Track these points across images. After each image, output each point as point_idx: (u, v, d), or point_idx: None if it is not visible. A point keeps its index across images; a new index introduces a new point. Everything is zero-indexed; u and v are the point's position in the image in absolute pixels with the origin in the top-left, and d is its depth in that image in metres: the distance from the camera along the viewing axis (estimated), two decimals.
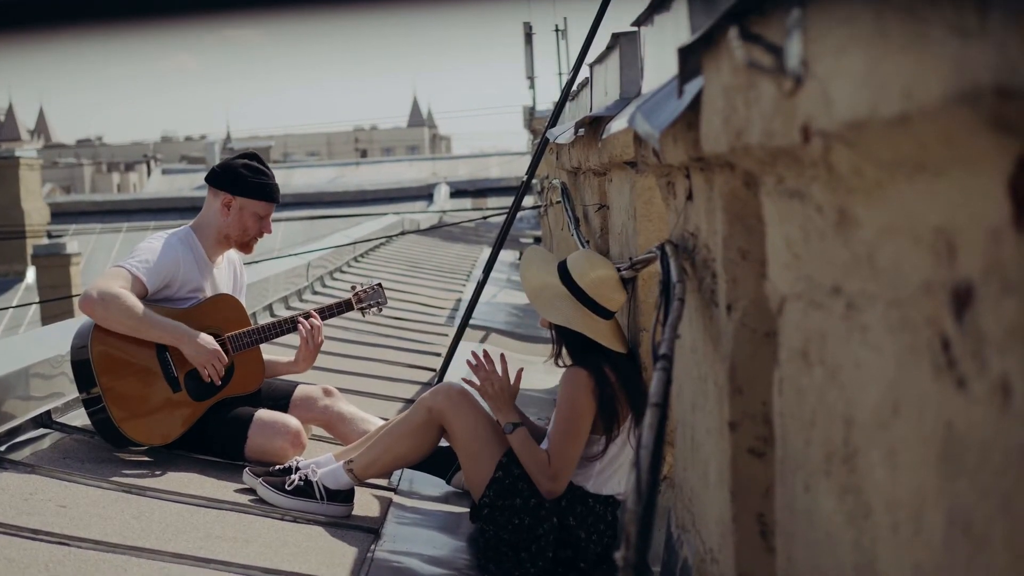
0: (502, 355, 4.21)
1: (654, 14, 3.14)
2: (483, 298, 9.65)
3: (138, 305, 4.37)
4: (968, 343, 1.23)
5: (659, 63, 3.05)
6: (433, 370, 7.12)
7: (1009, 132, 1.05)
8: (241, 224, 4.71)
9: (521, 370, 4.20)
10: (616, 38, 4.28)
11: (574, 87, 6.40)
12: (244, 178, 4.71)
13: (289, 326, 4.81)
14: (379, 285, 5.17)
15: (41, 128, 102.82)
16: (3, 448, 4.12)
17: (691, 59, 2.12)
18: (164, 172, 44.11)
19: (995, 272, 1.16)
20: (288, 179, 34.58)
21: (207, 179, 4.83)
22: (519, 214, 23.07)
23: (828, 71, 1.43)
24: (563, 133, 5.12)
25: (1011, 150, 1.08)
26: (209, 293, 4.72)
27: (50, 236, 26.29)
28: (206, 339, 4.51)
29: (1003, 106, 1.02)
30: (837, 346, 1.71)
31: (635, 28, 3.76)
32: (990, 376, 1.18)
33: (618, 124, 3.55)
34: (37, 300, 21.84)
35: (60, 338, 4.64)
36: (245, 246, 4.80)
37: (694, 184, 2.77)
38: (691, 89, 2.21)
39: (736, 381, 2.46)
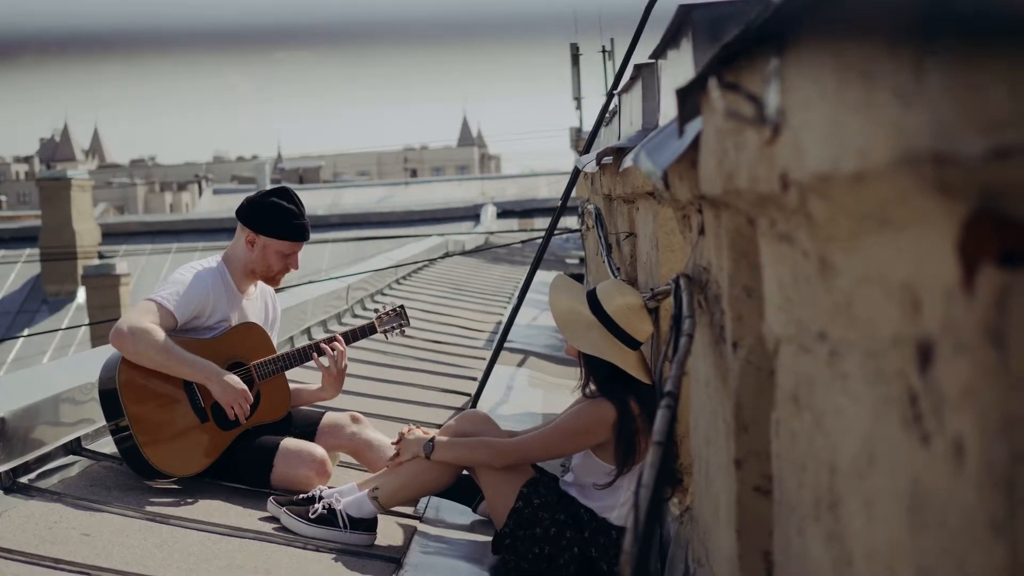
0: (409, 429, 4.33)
1: (667, 49, 3.15)
2: (523, 320, 9.63)
3: (167, 341, 4.40)
4: (930, 399, 1.23)
5: (672, 97, 3.05)
6: (468, 395, 7.11)
7: (952, 196, 1.05)
8: (265, 261, 4.74)
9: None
10: (639, 69, 4.30)
11: (607, 113, 6.40)
12: (268, 217, 4.72)
13: (314, 352, 4.83)
14: (401, 307, 5.21)
15: (95, 148, 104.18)
16: (33, 476, 4.16)
17: (689, 100, 2.12)
18: (215, 192, 44.47)
19: (950, 331, 1.16)
20: (337, 199, 34.78)
21: (236, 212, 4.86)
22: (567, 235, 22.89)
23: (800, 122, 1.43)
24: (589, 162, 5.13)
25: (956, 212, 1.08)
26: (236, 323, 4.75)
27: (101, 256, 26.60)
28: (233, 379, 4.54)
29: (942, 171, 1.02)
30: (822, 392, 1.70)
31: (653, 60, 3.78)
32: (947, 434, 1.18)
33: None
34: (87, 321, 22.08)
35: (91, 365, 4.67)
36: (271, 280, 4.84)
37: (705, 219, 2.76)
38: (691, 129, 2.21)
39: (742, 419, 2.44)
